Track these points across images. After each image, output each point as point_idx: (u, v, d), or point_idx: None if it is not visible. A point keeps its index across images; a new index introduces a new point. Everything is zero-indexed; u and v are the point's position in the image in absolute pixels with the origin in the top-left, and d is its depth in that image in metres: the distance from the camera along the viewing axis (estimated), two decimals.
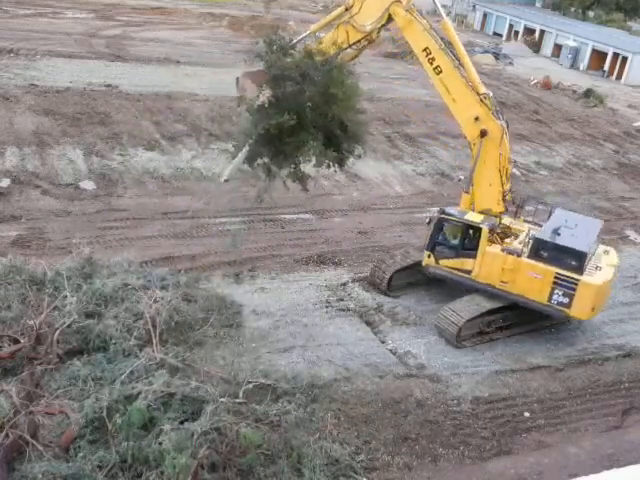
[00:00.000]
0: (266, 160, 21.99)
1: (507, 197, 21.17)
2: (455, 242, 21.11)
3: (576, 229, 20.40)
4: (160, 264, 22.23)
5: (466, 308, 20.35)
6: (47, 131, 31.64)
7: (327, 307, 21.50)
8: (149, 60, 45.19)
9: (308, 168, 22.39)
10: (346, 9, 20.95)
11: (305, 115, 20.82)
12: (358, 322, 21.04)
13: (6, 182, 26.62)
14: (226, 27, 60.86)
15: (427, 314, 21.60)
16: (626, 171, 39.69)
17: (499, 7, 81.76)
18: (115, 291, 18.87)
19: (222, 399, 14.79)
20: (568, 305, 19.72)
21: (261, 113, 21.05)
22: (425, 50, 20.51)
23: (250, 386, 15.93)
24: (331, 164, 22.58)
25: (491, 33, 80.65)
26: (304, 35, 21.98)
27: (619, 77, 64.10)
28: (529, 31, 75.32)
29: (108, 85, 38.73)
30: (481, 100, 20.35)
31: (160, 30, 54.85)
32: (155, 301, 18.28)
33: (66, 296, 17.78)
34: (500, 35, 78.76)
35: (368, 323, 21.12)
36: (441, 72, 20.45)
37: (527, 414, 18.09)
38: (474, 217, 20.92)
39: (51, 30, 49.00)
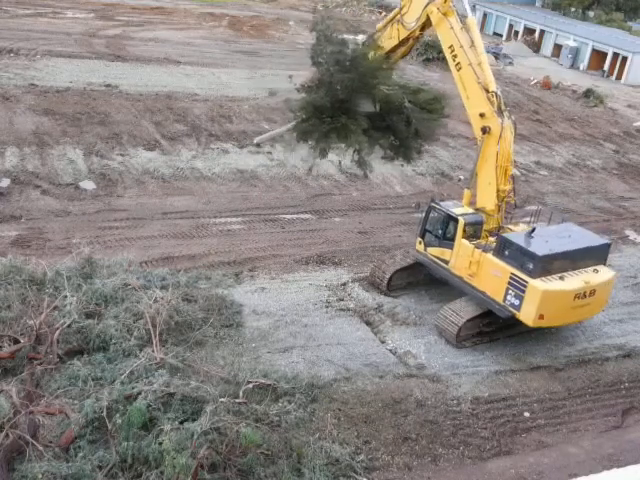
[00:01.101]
0: (315, 138, 25.39)
1: (510, 199, 20.96)
2: (440, 231, 21.54)
3: (559, 239, 20.06)
4: (160, 264, 22.25)
5: (466, 308, 20.36)
6: (47, 131, 31.65)
7: (327, 307, 21.50)
8: (149, 60, 45.18)
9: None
10: (400, 9, 23.67)
11: (343, 99, 24.23)
12: (358, 322, 21.04)
13: (6, 182, 26.64)
14: (226, 27, 60.83)
15: (427, 314, 21.60)
16: (626, 171, 39.69)
17: (499, 7, 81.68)
18: (115, 291, 18.89)
19: (222, 399, 14.79)
20: (518, 307, 19.35)
21: (306, 93, 25.05)
22: (450, 47, 21.75)
23: (250, 386, 15.94)
24: (395, 157, 26.72)
25: (491, 33, 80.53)
26: (372, 32, 25.10)
27: (619, 77, 64.02)
28: (529, 31, 75.26)
29: (108, 85, 38.73)
30: (488, 98, 20.67)
31: (160, 30, 54.82)
32: (155, 301, 18.29)
33: (66, 296, 17.79)
34: (500, 35, 78.70)
35: (368, 323, 21.13)
36: (461, 69, 21.38)
37: (527, 414, 18.10)
38: (459, 210, 21.21)
39: (51, 30, 48.98)
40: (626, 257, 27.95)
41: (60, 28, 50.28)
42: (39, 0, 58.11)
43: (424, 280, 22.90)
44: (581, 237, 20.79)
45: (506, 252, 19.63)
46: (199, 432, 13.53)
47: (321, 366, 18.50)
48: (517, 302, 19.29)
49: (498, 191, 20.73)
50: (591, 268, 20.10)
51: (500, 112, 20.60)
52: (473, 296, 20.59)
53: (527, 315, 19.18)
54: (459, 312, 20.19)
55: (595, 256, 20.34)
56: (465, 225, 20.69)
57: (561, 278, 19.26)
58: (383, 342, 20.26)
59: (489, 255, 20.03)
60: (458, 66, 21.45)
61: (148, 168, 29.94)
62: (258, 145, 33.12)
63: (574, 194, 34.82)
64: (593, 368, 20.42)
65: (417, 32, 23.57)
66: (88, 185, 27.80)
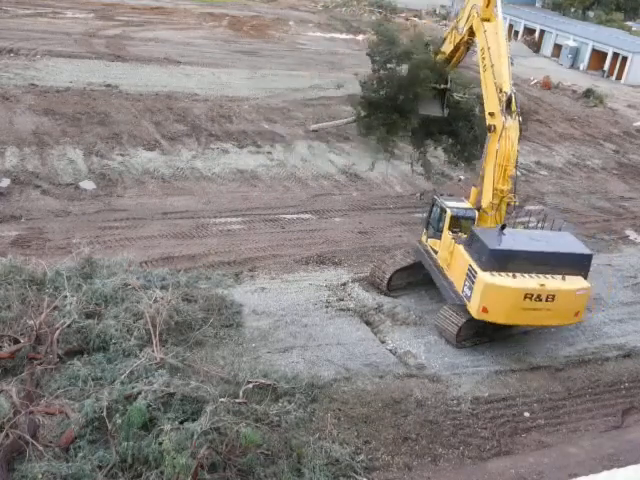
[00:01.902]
0: (376, 134, 29.35)
1: (509, 200, 20.88)
2: (436, 223, 22.10)
3: (530, 240, 19.97)
4: (160, 264, 22.25)
5: (466, 308, 20.34)
6: (47, 131, 31.66)
7: (327, 307, 21.49)
8: (149, 60, 45.19)
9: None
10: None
11: (396, 97, 27.67)
12: (358, 322, 21.04)
13: (6, 182, 26.64)
14: (226, 27, 60.85)
15: (427, 314, 21.60)
16: (626, 171, 39.68)
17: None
18: (115, 291, 18.89)
19: (222, 399, 14.79)
20: (469, 298, 19.50)
21: (364, 90, 28.80)
22: (482, 50, 22.91)
23: (250, 386, 15.94)
24: (457, 160, 29.88)
25: None
26: (443, 38, 27.42)
27: (619, 77, 63.99)
28: (529, 31, 75.28)
29: (108, 85, 38.74)
30: (499, 97, 21.19)
31: (160, 30, 54.84)
32: (155, 301, 18.29)
33: (66, 296, 17.79)
34: None
35: (368, 323, 21.12)
36: (485, 71, 22.39)
37: (527, 414, 18.10)
38: (452, 203, 21.74)
39: (51, 30, 48.99)
40: (626, 257, 27.95)
41: (60, 28, 50.29)
42: (39, 0, 58.12)
43: (424, 280, 22.89)
44: (560, 244, 20.22)
45: (472, 244, 19.92)
46: (199, 432, 13.53)
47: (321, 366, 18.49)
48: (469, 293, 19.48)
49: (495, 190, 20.76)
50: (559, 276, 19.34)
51: (508, 112, 20.81)
52: (442, 287, 20.99)
53: (473, 306, 19.34)
54: (459, 312, 20.18)
55: (571, 265, 19.55)
56: (452, 218, 21.14)
57: (514, 276, 19.08)
58: (383, 342, 20.26)
59: (460, 246, 20.40)
60: (484, 68, 22.37)
61: (148, 168, 29.94)
62: (314, 131, 36.08)
63: (574, 194, 34.80)
64: (593, 368, 20.42)
65: (465, 37, 24.95)
66: (88, 185, 27.80)
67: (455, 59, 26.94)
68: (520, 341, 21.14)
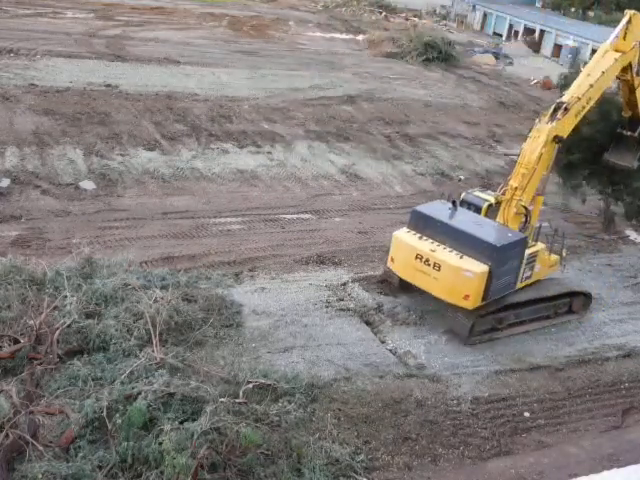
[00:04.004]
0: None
1: (517, 197, 21.03)
2: None
3: (461, 219, 20.40)
4: (160, 264, 22.23)
5: None
6: (47, 131, 31.64)
7: (327, 307, 21.48)
8: (149, 60, 45.18)
9: None
10: None
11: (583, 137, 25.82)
12: (358, 322, 21.03)
13: (6, 182, 26.61)
14: (226, 27, 60.86)
15: (427, 314, 21.58)
16: None
17: (499, 7, 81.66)
18: (115, 291, 18.86)
19: (222, 399, 14.79)
20: None
21: None
22: None
23: (250, 386, 15.94)
24: (629, 216, 28.38)
25: (491, 33, 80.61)
26: None
27: None
28: (529, 31, 75.29)
29: (108, 85, 38.73)
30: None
31: (160, 30, 54.82)
32: (155, 301, 18.29)
33: (66, 296, 17.78)
34: (500, 35, 78.73)
35: (368, 323, 21.11)
36: None
37: (527, 414, 18.09)
38: (477, 193, 22.55)
39: (51, 30, 48.97)
40: (626, 257, 27.96)
41: (60, 28, 50.28)
42: (39, 0, 58.11)
43: None
44: (480, 230, 20.03)
45: None
46: (199, 432, 13.51)
47: (321, 366, 18.49)
48: None
49: (507, 184, 21.03)
50: (457, 253, 19.63)
51: (553, 117, 20.95)
52: None
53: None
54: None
55: (477, 250, 19.44)
56: (462, 201, 22.02)
57: (419, 238, 20.31)
58: (383, 342, 20.25)
59: None
60: None
61: (148, 168, 29.92)
62: (505, 155, 37.43)
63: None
64: (593, 368, 20.41)
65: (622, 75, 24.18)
66: (88, 185, 27.78)
67: (631, 100, 24.80)
68: (520, 341, 21.14)
